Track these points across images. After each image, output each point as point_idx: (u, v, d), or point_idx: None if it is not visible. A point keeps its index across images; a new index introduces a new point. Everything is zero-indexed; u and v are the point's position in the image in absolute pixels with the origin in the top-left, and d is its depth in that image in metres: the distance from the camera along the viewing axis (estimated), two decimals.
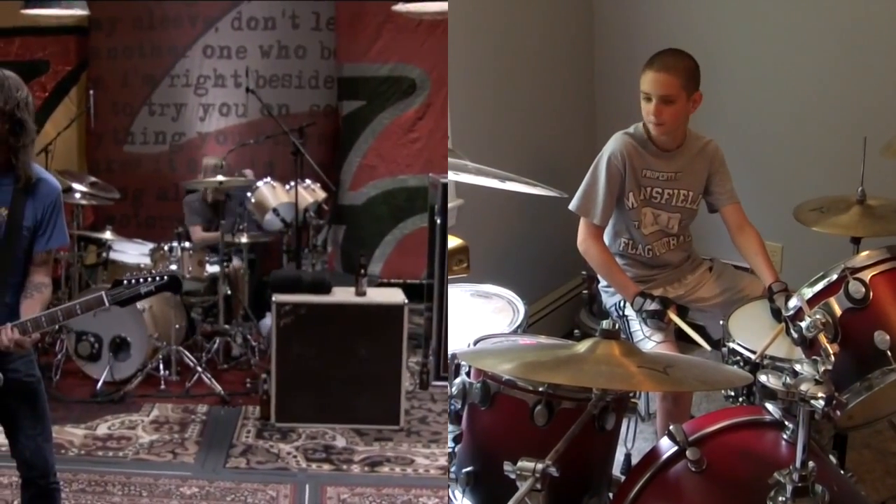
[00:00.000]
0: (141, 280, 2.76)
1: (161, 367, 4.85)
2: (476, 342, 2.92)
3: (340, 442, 4.31)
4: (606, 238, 3.72)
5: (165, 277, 2.78)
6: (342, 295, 4.49)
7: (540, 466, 2.06)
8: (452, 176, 3.11)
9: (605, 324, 2.30)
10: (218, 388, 4.73)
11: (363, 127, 6.14)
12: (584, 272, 4.67)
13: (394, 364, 4.38)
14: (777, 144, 4.62)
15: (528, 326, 3.38)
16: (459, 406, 2.63)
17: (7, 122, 2.66)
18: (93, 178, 5.36)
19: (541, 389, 2.39)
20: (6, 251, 2.74)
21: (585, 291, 4.76)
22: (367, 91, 6.11)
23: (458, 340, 3.12)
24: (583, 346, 2.29)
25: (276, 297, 4.40)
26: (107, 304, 2.74)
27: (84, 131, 6.27)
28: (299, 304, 4.39)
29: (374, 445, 4.27)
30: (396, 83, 6.08)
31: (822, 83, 4.42)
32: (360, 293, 4.44)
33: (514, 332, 3.26)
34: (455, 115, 4.38)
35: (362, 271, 4.45)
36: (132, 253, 5.22)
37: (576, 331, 3.33)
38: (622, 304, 3.65)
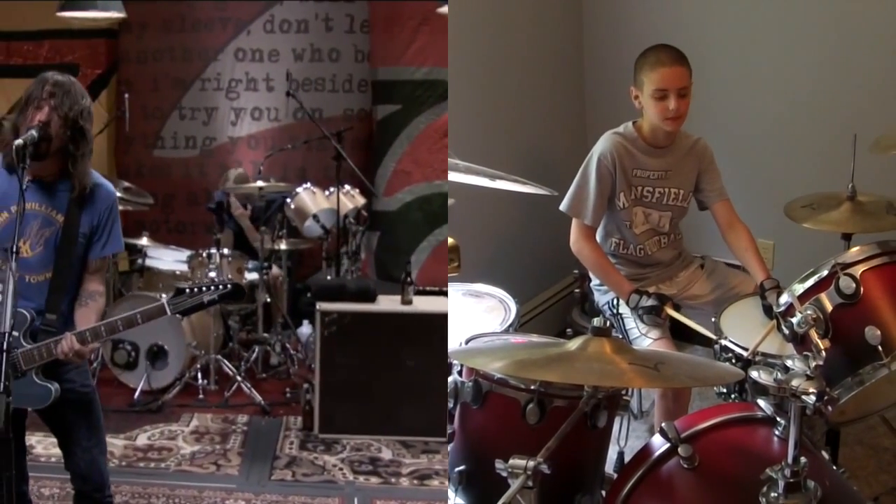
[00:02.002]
0: (203, 289, 2.66)
1: (199, 376, 4.74)
2: (467, 341, 2.88)
3: (386, 454, 4.21)
4: (597, 238, 3.68)
5: (228, 286, 2.68)
6: (387, 303, 4.40)
7: (532, 464, 2.05)
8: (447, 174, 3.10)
9: (596, 321, 2.29)
10: (258, 397, 4.62)
11: (398, 132, 6.00)
12: (575, 271, 4.62)
13: (441, 374, 4.23)
14: (767, 141, 4.57)
15: (520, 325, 3.36)
16: (452, 405, 2.61)
17: (69, 130, 2.59)
18: (126, 184, 5.26)
19: (532, 388, 2.38)
20: (62, 258, 2.67)
21: (577, 290, 4.69)
22: (402, 95, 5.97)
23: (450, 340, 3.08)
24: (574, 344, 2.28)
25: (321, 306, 4.30)
26: (168, 313, 2.66)
27: (114, 135, 6.18)
28: (344, 312, 4.29)
29: (421, 458, 4.17)
30: (432, 87, 5.94)
31: (812, 80, 4.37)
32: (406, 301, 4.35)
33: (506, 331, 3.21)
34: (449, 115, 4.31)
35: (408, 279, 4.35)
36: (167, 259, 5.13)
37: (568, 329, 3.35)
38: (615, 302, 3.60)
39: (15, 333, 2.57)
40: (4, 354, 2.31)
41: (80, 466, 2.77)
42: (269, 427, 4.48)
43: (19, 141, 2.48)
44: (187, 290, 2.66)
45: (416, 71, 5.94)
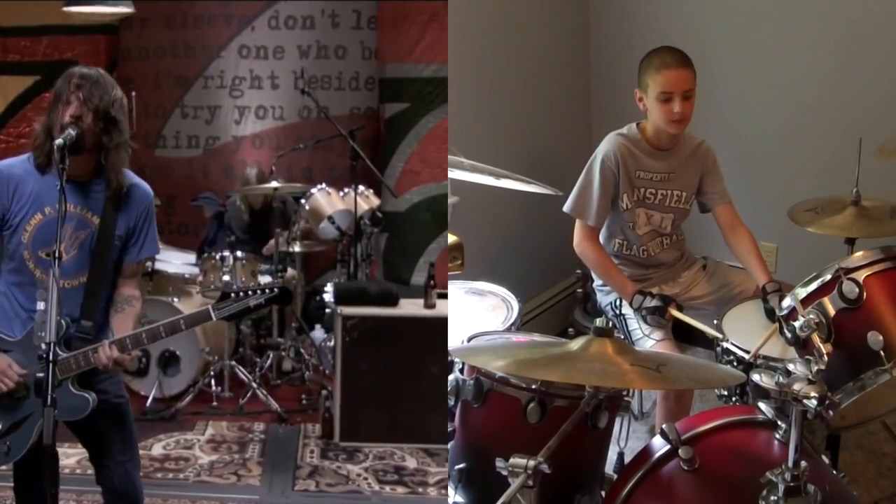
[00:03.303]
0: (249, 293, 2.55)
1: (213, 382, 4.60)
2: (469, 339, 2.87)
3: (411, 463, 4.09)
4: (601, 239, 3.67)
5: (276, 289, 2.57)
6: (410, 307, 4.29)
7: (532, 463, 2.05)
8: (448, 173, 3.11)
9: (598, 321, 2.29)
10: (274, 405, 4.49)
11: (406, 130, 5.86)
12: (578, 271, 4.61)
13: None
14: (772, 145, 4.56)
15: (522, 325, 3.36)
16: (452, 403, 2.60)
17: (101, 121, 2.47)
18: None
19: (534, 387, 2.38)
20: (98, 263, 2.57)
21: (580, 290, 4.66)
22: (410, 93, 5.82)
23: (453, 338, 3.07)
24: (576, 344, 2.28)
25: (342, 311, 4.17)
26: (213, 318, 2.56)
27: None
28: (367, 317, 4.17)
29: (446, 466, 4.03)
30: (441, 85, 5.78)
31: (818, 84, 4.37)
32: (430, 305, 4.24)
33: (508, 329, 3.20)
34: (451, 113, 4.24)
35: (432, 282, 4.23)
36: (175, 262, 4.99)
37: (570, 329, 3.33)
38: (618, 302, 3.61)
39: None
40: (51, 365, 2.18)
41: (114, 481, 2.66)
42: (286, 435, 4.37)
43: (59, 140, 2.38)
44: (233, 295, 2.55)
45: (426, 68, 5.79)
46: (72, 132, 2.40)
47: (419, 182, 5.86)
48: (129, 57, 6.03)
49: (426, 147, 5.85)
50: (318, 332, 5.09)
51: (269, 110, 6.09)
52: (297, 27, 6.06)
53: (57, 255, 2.27)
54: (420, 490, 3.85)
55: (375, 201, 5.22)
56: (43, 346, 2.20)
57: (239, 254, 4.67)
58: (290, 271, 5.01)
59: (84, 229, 2.52)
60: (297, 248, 4.96)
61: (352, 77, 6.12)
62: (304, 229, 5.14)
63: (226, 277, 4.56)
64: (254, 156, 5.95)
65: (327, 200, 5.01)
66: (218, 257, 4.63)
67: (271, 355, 4.86)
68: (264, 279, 4.80)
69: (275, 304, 2.62)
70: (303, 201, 5.02)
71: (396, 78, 5.87)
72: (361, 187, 5.11)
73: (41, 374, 2.31)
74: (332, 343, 4.86)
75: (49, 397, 2.15)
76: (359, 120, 5.96)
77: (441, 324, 4.09)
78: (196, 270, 4.79)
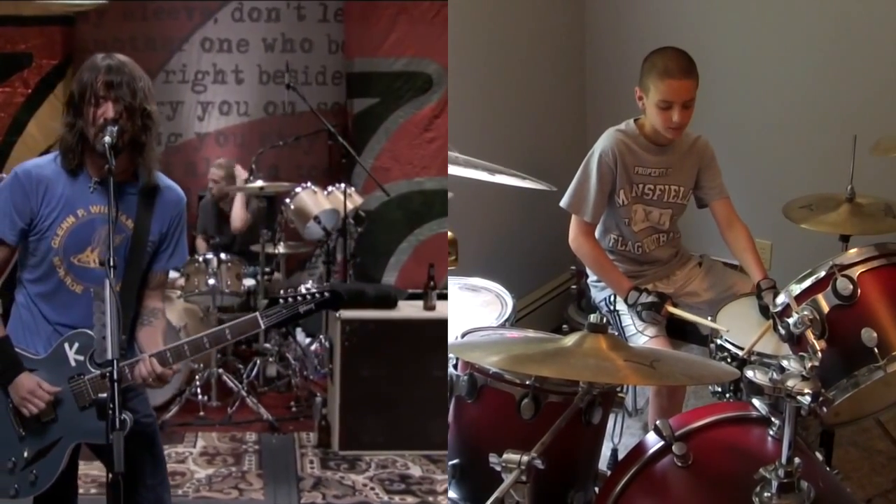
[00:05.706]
0: (299, 298, 2.39)
1: (199, 391, 4.40)
2: (463, 335, 2.85)
3: (415, 471, 3.97)
4: (596, 234, 3.64)
5: (326, 294, 2.42)
6: (410, 310, 4.17)
7: (525, 459, 2.04)
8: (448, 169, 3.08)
9: (592, 317, 2.29)
10: (265, 413, 4.33)
11: (376, 126, 5.73)
12: (573, 267, 4.63)
13: None
14: (767, 142, 4.57)
15: (516, 321, 3.36)
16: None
17: (139, 118, 2.29)
18: None
19: (528, 383, 2.39)
20: (132, 269, 2.38)
21: (574, 286, 4.68)
22: (379, 88, 5.70)
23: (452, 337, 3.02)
24: (570, 340, 2.28)
25: (342, 314, 4.03)
26: (262, 326, 2.39)
27: None
28: (367, 321, 4.03)
29: None
30: (411, 79, 5.69)
31: (813, 80, 4.38)
32: (430, 307, 4.11)
33: (502, 325, 3.20)
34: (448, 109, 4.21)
35: (431, 283, 4.10)
36: None
37: (564, 326, 3.28)
38: (612, 298, 3.57)
39: (80, 357, 2.31)
40: (116, 384, 2.01)
41: None
42: (281, 444, 4.22)
43: (107, 138, 2.20)
44: (282, 301, 2.40)
45: (395, 62, 5.68)
46: (113, 128, 2.22)
47: (389, 179, 5.72)
48: (85, 50, 5.72)
49: (396, 143, 5.73)
50: (300, 337, 4.93)
51: (234, 106, 5.92)
52: (262, 20, 5.91)
53: (111, 263, 2.11)
54: (430, 499, 3.73)
55: (359, 200, 5.08)
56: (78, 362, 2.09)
57: (223, 256, 4.48)
58: (277, 274, 4.85)
59: (119, 233, 2.31)
60: (281, 249, 4.78)
61: (318, 71, 5.98)
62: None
63: (211, 281, 4.39)
64: (217, 153, 5.77)
65: (313, 200, 4.84)
66: (202, 260, 4.44)
67: (258, 362, 4.68)
68: (248, 282, 4.62)
69: (326, 309, 2.47)
70: (287, 201, 4.84)
71: (365, 72, 5.75)
72: (343, 185, 4.97)
73: (103, 395, 2.14)
74: (314, 347, 4.72)
75: (117, 418, 1.98)
76: (326, 116, 5.78)
77: (442, 326, 4.02)
78: (173, 274, 4.57)
